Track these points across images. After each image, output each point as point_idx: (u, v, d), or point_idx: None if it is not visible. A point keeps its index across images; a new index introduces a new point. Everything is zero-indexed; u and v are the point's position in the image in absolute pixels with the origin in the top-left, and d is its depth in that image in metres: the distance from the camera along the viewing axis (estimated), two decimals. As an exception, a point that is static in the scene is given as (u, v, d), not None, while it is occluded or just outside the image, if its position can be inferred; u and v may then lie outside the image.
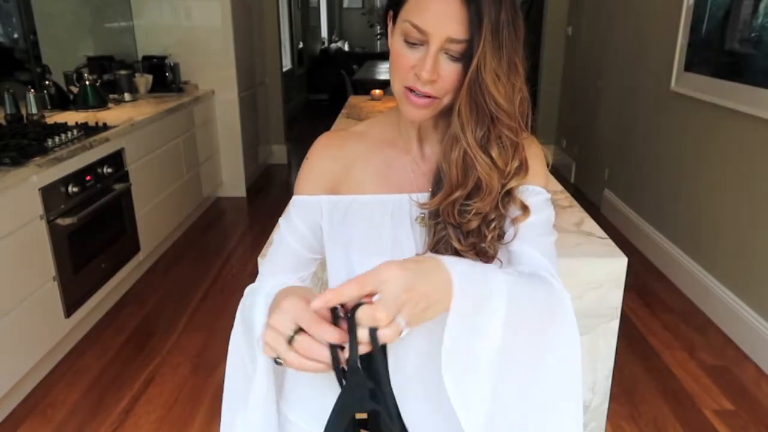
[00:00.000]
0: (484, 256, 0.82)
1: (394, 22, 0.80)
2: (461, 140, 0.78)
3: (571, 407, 0.81)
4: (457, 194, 0.80)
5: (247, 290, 0.92)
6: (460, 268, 0.69)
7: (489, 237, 0.81)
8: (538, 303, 0.76)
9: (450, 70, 0.75)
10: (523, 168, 0.82)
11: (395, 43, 0.78)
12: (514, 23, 0.74)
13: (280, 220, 0.95)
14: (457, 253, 0.82)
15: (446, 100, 0.79)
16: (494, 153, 0.79)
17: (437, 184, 0.84)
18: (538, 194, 0.86)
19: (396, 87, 0.81)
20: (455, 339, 0.68)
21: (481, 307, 0.70)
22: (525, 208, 0.84)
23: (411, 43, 0.76)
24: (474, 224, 0.80)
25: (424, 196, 0.86)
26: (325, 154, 0.92)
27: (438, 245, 0.82)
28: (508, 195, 0.83)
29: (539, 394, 0.78)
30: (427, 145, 0.90)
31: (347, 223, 0.89)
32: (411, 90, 0.78)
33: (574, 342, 0.79)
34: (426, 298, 0.66)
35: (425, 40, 0.74)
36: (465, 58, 0.74)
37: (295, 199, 0.93)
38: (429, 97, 0.78)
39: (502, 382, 0.73)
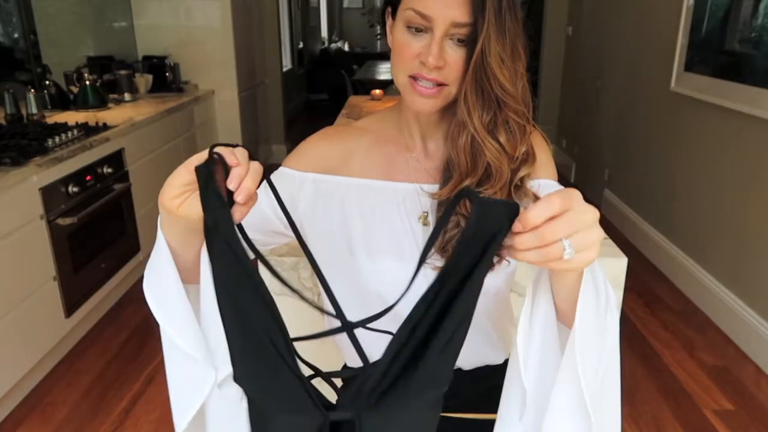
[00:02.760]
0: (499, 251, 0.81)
1: (393, 17, 0.79)
2: (468, 126, 0.77)
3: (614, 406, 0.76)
4: (467, 182, 0.79)
5: None
6: None
7: None
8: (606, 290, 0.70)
9: (456, 56, 0.75)
10: (530, 155, 0.81)
11: (397, 33, 0.77)
12: (514, 8, 0.74)
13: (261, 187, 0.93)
14: None
15: (453, 90, 0.78)
16: (502, 138, 0.78)
17: (446, 174, 0.82)
18: (552, 188, 0.85)
19: (400, 79, 0.79)
20: (586, 307, 0.62)
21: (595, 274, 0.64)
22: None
23: (415, 30, 0.75)
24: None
25: (432, 188, 0.84)
26: (324, 141, 0.91)
27: (447, 245, 0.80)
28: (520, 186, 0.81)
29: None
30: (431, 142, 0.88)
31: (336, 209, 0.87)
32: (416, 79, 0.77)
33: (617, 341, 0.74)
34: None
35: (429, 27, 0.74)
36: (470, 43, 0.74)
37: (280, 169, 0.91)
38: (437, 84, 0.77)
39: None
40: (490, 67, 0.73)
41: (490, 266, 0.57)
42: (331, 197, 0.87)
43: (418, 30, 0.75)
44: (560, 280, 0.63)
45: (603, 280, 0.70)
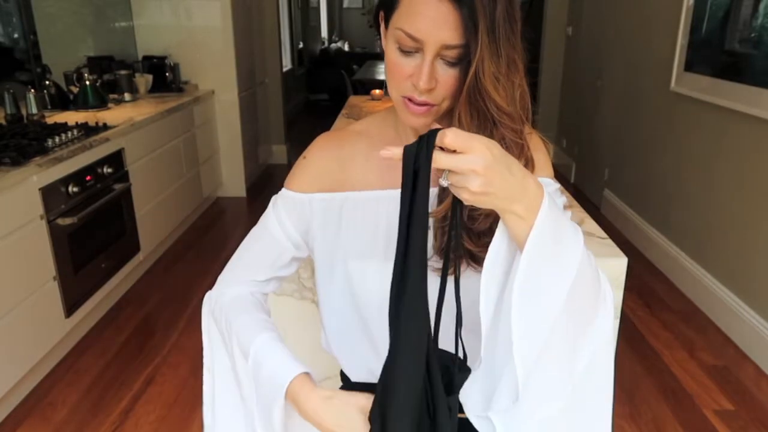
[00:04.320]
0: None
1: (386, 24, 0.78)
2: None
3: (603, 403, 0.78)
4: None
5: (213, 305, 0.93)
6: (547, 192, 0.67)
7: None
8: (595, 276, 0.73)
9: (447, 76, 0.74)
10: (529, 166, 0.81)
11: (389, 51, 0.76)
12: (511, 17, 0.71)
13: (266, 213, 0.93)
14: (470, 253, 0.81)
15: (444, 106, 0.77)
16: None
17: (443, 189, 0.82)
18: (548, 185, 0.85)
19: (394, 96, 0.79)
20: (534, 257, 0.65)
21: (560, 238, 0.67)
22: None
23: (405, 51, 0.74)
24: (486, 224, 0.79)
25: (431, 191, 0.85)
26: (323, 154, 0.90)
27: (446, 247, 0.81)
28: None
29: (575, 371, 0.74)
30: None
31: (342, 224, 0.88)
32: (409, 99, 0.77)
33: (610, 336, 0.76)
34: (501, 190, 0.62)
35: (420, 48, 0.72)
36: (462, 61, 0.72)
37: (284, 192, 0.91)
38: (428, 104, 0.76)
39: (557, 331, 0.69)
40: (484, 88, 0.72)
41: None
42: (338, 214, 0.88)
43: (409, 51, 0.74)
44: (509, 227, 0.67)
45: (592, 268, 0.71)
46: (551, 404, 0.72)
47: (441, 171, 0.62)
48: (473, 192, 0.61)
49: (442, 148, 0.61)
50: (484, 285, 0.70)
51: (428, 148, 0.61)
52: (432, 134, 0.61)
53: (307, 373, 0.81)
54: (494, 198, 0.63)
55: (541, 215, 0.64)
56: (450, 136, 0.60)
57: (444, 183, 0.63)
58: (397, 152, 0.62)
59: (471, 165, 0.60)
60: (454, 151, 0.61)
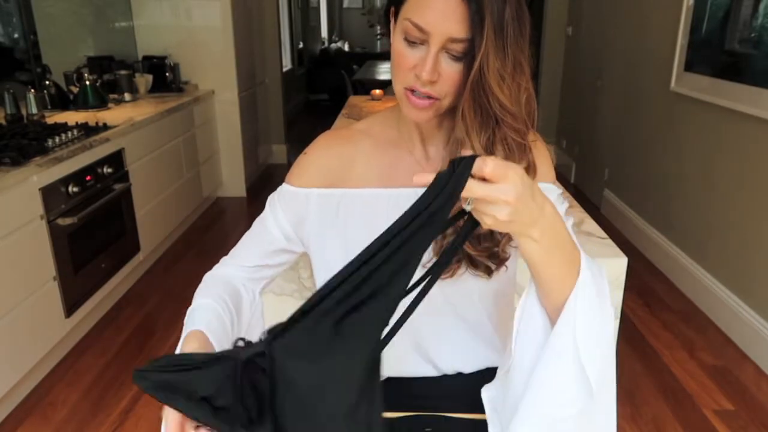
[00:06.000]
0: (496, 259, 0.81)
1: (395, 19, 0.78)
2: (467, 144, 0.76)
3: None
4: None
5: (206, 277, 0.96)
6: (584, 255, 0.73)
7: (502, 240, 0.80)
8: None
9: (451, 70, 0.74)
10: (531, 170, 0.81)
11: (396, 41, 0.77)
12: (519, 20, 0.72)
13: (266, 205, 0.95)
14: (470, 258, 0.81)
15: (446, 102, 0.77)
16: (500, 156, 0.77)
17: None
18: (550, 192, 0.85)
19: (397, 88, 0.80)
20: (586, 293, 0.70)
21: (601, 289, 0.73)
22: None
23: (411, 42, 0.74)
24: (487, 229, 0.79)
25: None
26: (324, 152, 0.90)
27: (446, 248, 0.81)
28: None
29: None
30: (431, 146, 0.88)
31: (340, 220, 0.87)
32: (412, 91, 0.77)
33: (612, 341, 0.79)
34: (524, 216, 0.63)
35: (425, 39, 0.73)
36: (467, 57, 0.72)
37: (283, 186, 0.92)
38: (430, 98, 0.76)
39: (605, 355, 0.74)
40: (488, 84, 0.72)
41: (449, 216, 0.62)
42: (336, 210, 0.88)
43: (415, 42, 0.74)
44: (522, 248, 0.68)
45: (599, 272, 0.74)
46: (565, 409, 0.74)
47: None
48: (500, 220, 0.62)
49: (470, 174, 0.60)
50: (517, 319, 0.76)
51: (463, 176, 0.59)
52: (469, 161, 0.59)
53: (201, 331, 0.80)
54: (516, 224, 0.63)
55: (581, 278, 0.69)
56: (491, 166, 0.59)
57: (467, 208, 0.63)
58: (431, 179, 0.61)
59: (504, 195, 0.60)
60: (483, 178, 0.60)
